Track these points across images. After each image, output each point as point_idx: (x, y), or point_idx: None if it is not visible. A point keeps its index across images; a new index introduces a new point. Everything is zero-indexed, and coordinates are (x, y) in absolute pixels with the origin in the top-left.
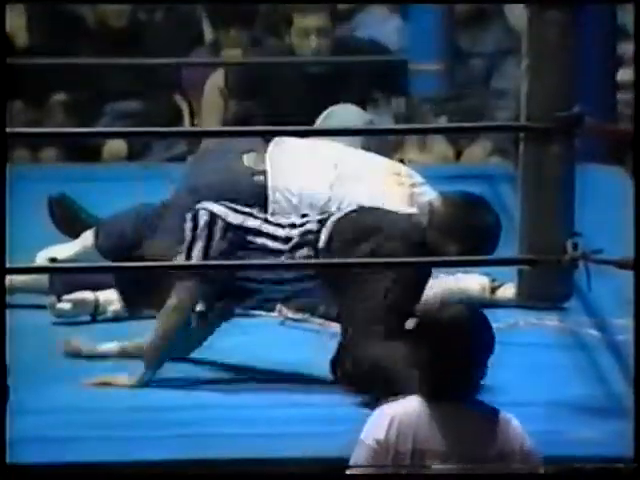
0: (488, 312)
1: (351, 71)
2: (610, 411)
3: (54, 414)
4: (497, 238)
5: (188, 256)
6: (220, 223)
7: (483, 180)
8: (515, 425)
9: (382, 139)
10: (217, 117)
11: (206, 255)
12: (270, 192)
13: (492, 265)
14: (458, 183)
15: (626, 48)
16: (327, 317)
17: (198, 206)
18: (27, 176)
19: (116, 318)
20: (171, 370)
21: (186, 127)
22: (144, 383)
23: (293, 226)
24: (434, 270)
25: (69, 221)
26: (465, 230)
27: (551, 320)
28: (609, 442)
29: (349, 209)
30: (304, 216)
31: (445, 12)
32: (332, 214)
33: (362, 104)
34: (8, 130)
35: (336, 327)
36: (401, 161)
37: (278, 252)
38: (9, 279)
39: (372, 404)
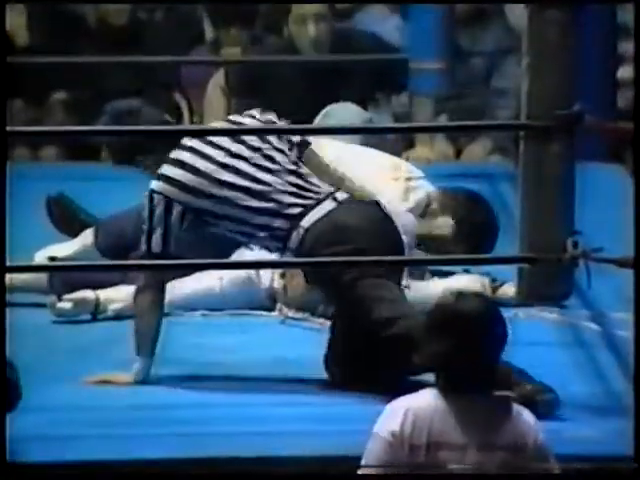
0: None
1: (352, 69)
2: (610, 409)
3: (54, 412)
4: (495, 234)
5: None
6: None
7: (483, 178)
8: (529, 418)
9: (381, 137)
10: (219, 116)
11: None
12: None
13: (492, 263)
14: (458, 181)
15: (626, 46)
16: (327, 316)
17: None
18: (27, 175)
19: (117, 317)
20: (171, 369)
21: (186, 126)
22: (143, 377)
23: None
24: (434, 268)
25: (67, 220)
26: (462, 224)
27: (551, 312)
28: (609, 441)
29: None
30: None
31: (446, 11)
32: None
33: (362, 102)
34: (8, 129)
35: None
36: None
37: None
38: (9, 278)
39: (374, 400)
